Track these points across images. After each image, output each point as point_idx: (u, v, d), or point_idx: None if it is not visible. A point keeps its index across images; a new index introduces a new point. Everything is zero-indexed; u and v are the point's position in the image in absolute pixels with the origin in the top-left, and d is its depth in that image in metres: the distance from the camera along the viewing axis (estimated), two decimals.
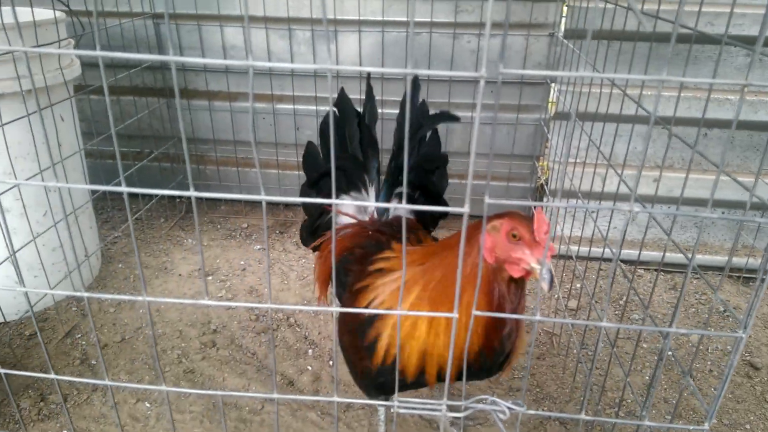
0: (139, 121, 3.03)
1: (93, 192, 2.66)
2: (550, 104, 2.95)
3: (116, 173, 2.83)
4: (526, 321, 1.56)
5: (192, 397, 2.13)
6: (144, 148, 3.23)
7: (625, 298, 2.64)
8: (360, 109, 1.91)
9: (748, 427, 1.99)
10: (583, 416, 1.14)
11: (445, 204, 1.96)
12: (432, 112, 1.85)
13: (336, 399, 1.12)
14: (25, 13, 2.19)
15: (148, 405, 2.10)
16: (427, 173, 1.86)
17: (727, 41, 1.22)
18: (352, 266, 1.69)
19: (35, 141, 2.15)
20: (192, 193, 0.89)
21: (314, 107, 3.02)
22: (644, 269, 2.92)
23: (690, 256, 1.07)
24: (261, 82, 3.02)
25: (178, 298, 1.98)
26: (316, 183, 1.94)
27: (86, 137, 2.61)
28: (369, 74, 2.06)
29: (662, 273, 2.88)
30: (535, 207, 1.24)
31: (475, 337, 1.35)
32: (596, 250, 2.76)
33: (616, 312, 2.56)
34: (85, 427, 2.01)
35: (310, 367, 2.28)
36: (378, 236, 1.74)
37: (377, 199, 1.89)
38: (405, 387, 1.50)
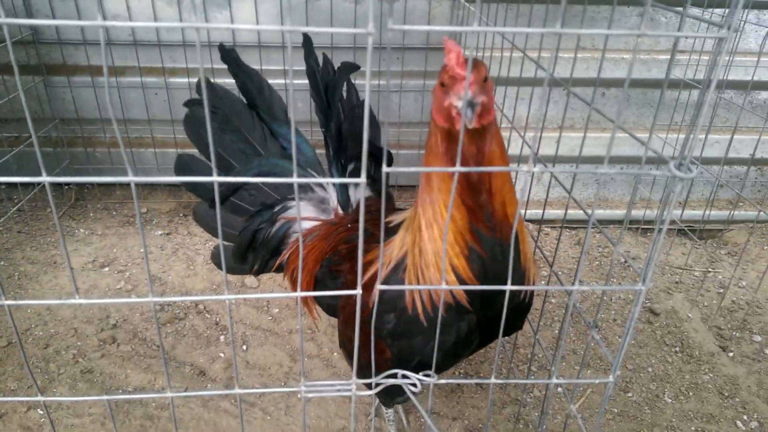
0: (11, 103, 2.71)
1: None
2: None
3: None
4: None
5: (90, 400, 1.96)
6: (21, 132, 2.91)
7: (551, 263, 2.71)
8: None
9: (650, 369, 2.10)
10: (493, 380, 1.13)
11: (390, 157, 1.84)
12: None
13: (238, 391, 1.04)
14: None
15: (41, 412, 1.91)
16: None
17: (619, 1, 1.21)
18: (341, 266, 1.57)
19: None
20: (132, 178, 0.76)
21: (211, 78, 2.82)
22: (550, 227, 3.02)
23: (590, 212, 1.07)
24: (150, 55, 2.78)
25: (42, 300, 1.82)
26: (244, 254, 1.78)
27: None
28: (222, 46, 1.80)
29: (566, 230, 2.98)
30: (444, 38, 1.11)
31: (459, 219, 1.21)
32: None
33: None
34: None
35: (222, 354, 2.17)
36: (357, 227, 1.59)
37: (336, 189, 1.74)
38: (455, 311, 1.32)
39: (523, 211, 2.03)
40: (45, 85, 2.84)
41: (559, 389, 2.00)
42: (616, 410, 1.93)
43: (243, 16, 2.74)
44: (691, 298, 2.48)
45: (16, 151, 2.71)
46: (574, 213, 2.97)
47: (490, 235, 1.23)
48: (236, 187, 1.76)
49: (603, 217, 2.98)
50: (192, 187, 1.84)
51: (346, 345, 1.59)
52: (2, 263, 2.61)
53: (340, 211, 1.74)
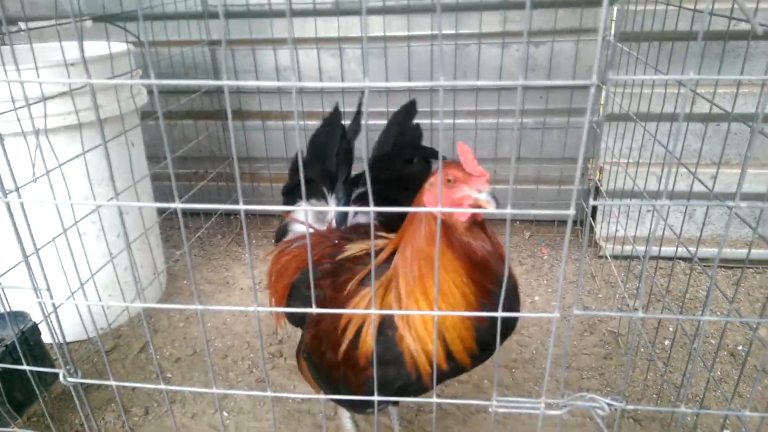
0: (198, 144, 3.15)
1: (161, 212, 2.78)
2: (600, 107, 2.96)
3: (180, 194, 2.94)
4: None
5: (268, 405, 2.19)
6: (199, 168, 3.35)
7: (685, 296, 2.63)
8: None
9: None
10: (683, 409, 1.16)
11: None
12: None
13: (435, 400, 1.16)
14: (100, 47, 2.32)
15: (226, 414, 2.17)
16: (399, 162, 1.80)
17: None
18: (321, 281, 1.59)
19: (110, 166, 2.26)
20: (241, 206, 0.95)
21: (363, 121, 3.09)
22: (704, 265, 2.89)
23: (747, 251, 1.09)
24: (312, 101, 3.11)
25: (228, 306, 2.06)
26: (290, 191, 1.95)
27: (152, 161, 2.73)
28: (363, 91, 2.03)
29: (722, 269, 2.84)
30: (456, 143, 1.27)
31: (470, 294, 1.33)
32: (638, 248, 2.75)
33: (679, 310, 2.54)
34: None
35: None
36: (344, 244, 1.66)
37: (336, 205, 1.86)
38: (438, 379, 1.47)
39: (693, 249, 2.01)
40: (223, 129, 3.26)
41: (726, 431, 1.92)
42: None
43: (393, 63, 2.99)
44: None
45: (201, 185, 3.13)
46: (729, 252, 2.84)
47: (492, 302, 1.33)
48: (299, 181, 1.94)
49: (761, 257, 2.81)
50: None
51: (312, 357, 1.60)
52: (185, 282, 3.00)
53: (334, 225, 1.83)
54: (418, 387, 1.41)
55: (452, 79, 2.96)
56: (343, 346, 1.44)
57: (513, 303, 1.42)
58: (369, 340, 1.40)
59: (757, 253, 2.81)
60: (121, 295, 2.51)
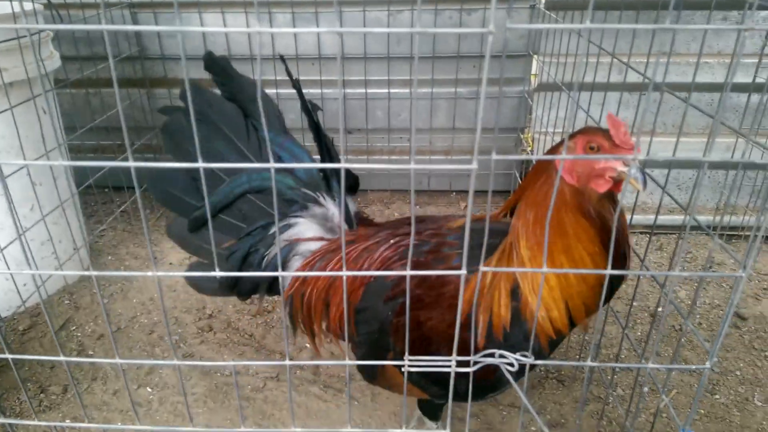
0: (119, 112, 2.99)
1: (79, 185, 2.63)
2: (532, 76, 2.98)
3: (98, 168, 2.79)
4: None
5: (194, 380, 2.13)
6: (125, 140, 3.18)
7: (642, 258, 2.70)
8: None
9: (738, 373, 2.06)
10: (589, 363, 1.18)
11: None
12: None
13: (348, 362, 1.14)
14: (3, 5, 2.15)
15: (149, 390, 2.10)
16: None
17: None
18: (403, 284, 1.37)
19: (19, 135, 2.12)
20: (131, 163, 0.89)
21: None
22: (630, 232, 2.99)
23: (688, 205, 1.11)
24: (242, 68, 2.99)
25: (181, 273, 1.98)
26: (197, 227, 1.59)
27: (68, 132, 2.58)
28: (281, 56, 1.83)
29: (647, 235, 2.94)
30: (607, 114, 1.20)
31: (600, 263, 1.26)
32: None
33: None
34: (87, 415, 2.01)
35: (308, 345, 2.30)
36: (401, 239, 1.46)
37: (337, 204, 1.58)
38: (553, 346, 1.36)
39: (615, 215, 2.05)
40: (148, 97, 3.11)
41: (645, 389, 2.00)
42: (703, 411, 1.91)
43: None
44: None
45: (121, 157, 2.97)
46: (662, 219, 2.94)
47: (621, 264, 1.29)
48: (226, 204, 1.57)
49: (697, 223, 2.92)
50: (169, 203, 1.59)
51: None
52: (110, 258, 2.87)
53: (345, 227, 1.57)
54: (538, 355, 1.31)
55: (386, 48, 2.91)
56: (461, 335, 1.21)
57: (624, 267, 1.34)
58: (503, 312, 1.29)
59: (678, 218, 2.93)
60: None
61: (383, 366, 1.49)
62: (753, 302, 2.43)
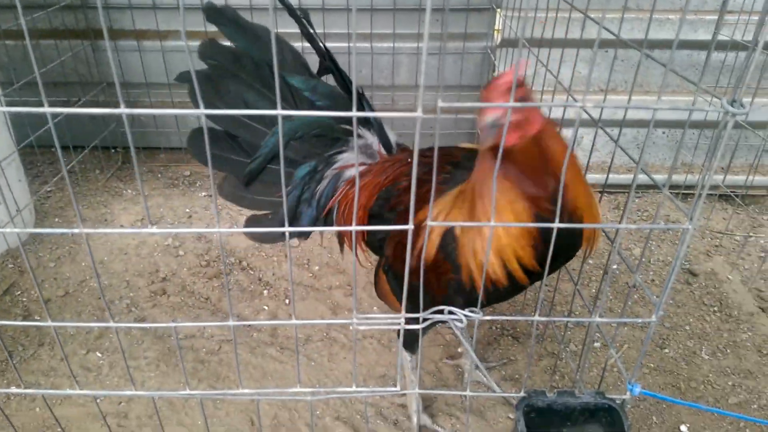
0: (62, 66, 2.81)
1: (20, 142, 2.48)
2: (495, 31, 2.90)
3: (42, 125, 2.64)
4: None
5: (146, 344, 2.07)
6: (71, 96, 3.02)
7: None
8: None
9: (687, 328, 2.11)
10: (536, 317, 1.17)
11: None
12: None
13: (294, 322, 1.10)
14: None
15: (99, 354, 2.04)
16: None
17: None
18: (401, 197, 1.55)
19: None
20: (123, 110, 0.82)
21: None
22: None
23: (637, 158, 1.09)
24: (192, 19, 2.83)
25: (116, 229, 1.90)
26: (251, 181, 1.70)
27: (4, 87, 2.42)
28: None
29: (606, 194, 2.97)
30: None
31: (522, 212, 1.25)
32: None
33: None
34: (34, 381, 1.94)
35: (266, 307, 2.26)
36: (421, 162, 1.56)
37: (375, 133, 1.70)
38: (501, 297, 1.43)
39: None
40: (93, 50, 2.93)
41: (596, 344, 2.03)
42: (652, 365, 1.95)
43: None
44: (732, 261, 2.46)
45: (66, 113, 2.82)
46: (615, 177, 2.96)
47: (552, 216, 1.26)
48: (275, 153, 1.65)
49: (643, 182, 2.95)
50: (215, 164, 1.66)
51: (393, 267, 1.56)
52: (57, 220, 2.74)
53: (384, 153, 1.72)
54: (475, 299, 1.32)
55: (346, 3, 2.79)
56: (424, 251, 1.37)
57: (574, 220, 1.30)
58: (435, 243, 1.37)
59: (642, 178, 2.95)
60: None
61: (378, 275, 1.65)
62: (705, 259, 2.48)
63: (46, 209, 2.82)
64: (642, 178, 3.11)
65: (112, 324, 1.13)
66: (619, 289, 2.30)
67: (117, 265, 2.46)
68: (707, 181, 1.02)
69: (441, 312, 1.18)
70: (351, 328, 1.10)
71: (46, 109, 0.85)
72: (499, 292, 1.34)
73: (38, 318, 2.21)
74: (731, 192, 2.70)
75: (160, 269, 2.45)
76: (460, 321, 1.18)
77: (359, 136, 1.73)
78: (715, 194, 2.84)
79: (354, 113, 0.86)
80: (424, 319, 1.16)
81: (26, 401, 1.86)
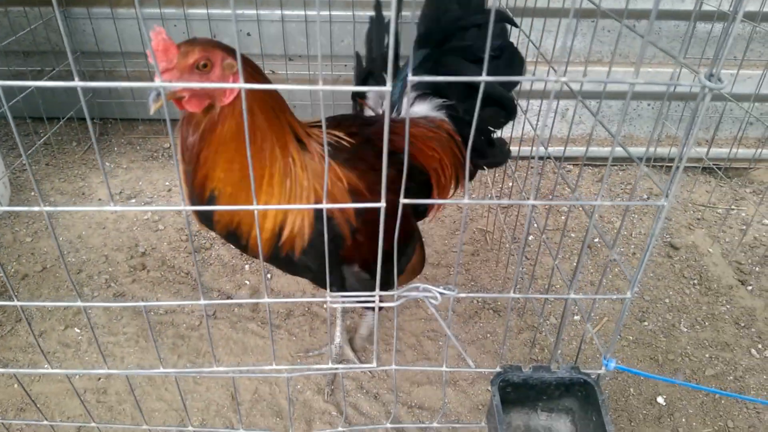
0: (33, 35, 2.72)
1: None
2: None
3: (12, 95, 2.56)
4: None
5: (125, 319, 2.06)
6: (44, 65, 2.92)
7: (554, 192, 2.71)
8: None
9: (667, 301, 2.13)
10: (512, 294, 1.16)
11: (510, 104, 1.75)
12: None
13: (267, 300, 1.09)
14: None
15: (78, 330, 2.02)
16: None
17: None
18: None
19: None
20: (77, 84, 0.78)
21: (230, 11, 2.78)
22: (573, 164, 2.99)
23: (614, 131, 1.06)
24: None
25: (80, 207, 1.87)
26: (364, 81, 1.80)
27: None
28: None
29: (589, 167, 2.95)
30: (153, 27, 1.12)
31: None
32: (527, 150, 2.78)
33: (545, 207, 2.62)
34: (12, 357, 1.92)
35: (247, 282, 2.24)
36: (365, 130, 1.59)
37: (393, 91, 1.71)
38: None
39: (543, 149, 2.02)
40: (65, 17, 2.83)
41: (576, 317, 2.04)
42: (631, 338, 1.97)
43: None
44: (713, 234, 2.47)
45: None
46: (597, 150, 2.94)
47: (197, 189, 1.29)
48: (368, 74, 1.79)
49: (625, 155, 2.94)
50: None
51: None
52: (33, 194, 2.69)
53: (380, 111, 1.73)
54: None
55: None
56: None
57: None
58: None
59: (621, 150, 2.94)
60: None
61: None
62: (686, 232, 2.49)
63: (21, 182, 2.76)
64: (623, 150, 3.08)
65: (81, 303, 1.10)
66: (600, 263, 2.31)
67: (95, 240, 2.43)
68: (684, 155, 1.00)
69: (416, 289, 1.17)
70: (325, 306, 1.08)
71: (10, 83, 0.80)
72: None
73: (17, 294, 2.17)
74: (714, 165, 2.70)
75: (140, 244, 2.41)
76: (435, 298, 1.17)
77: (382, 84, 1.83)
78: (699, 167, 2.83)
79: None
80: (399, 297, 1.15)
81: (4, 378, 1.84)
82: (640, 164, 1.09)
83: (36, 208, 0.96)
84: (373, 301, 1.11)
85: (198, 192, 1.28)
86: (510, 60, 1.69)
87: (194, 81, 1.15)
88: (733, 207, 2.66)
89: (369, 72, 1.77)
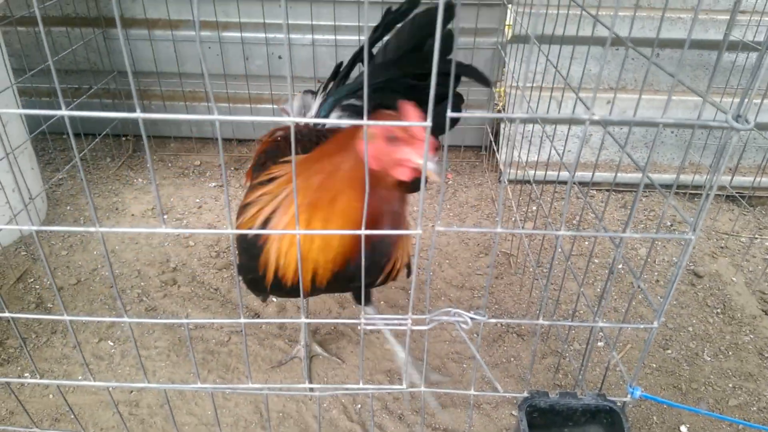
0: (74, 54, 2.84)
1: (32, 130, 2.51)
2: (506, 27, 2.90)
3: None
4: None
5: (157, 333, 2.11)
6: (82, 83, 3.04)
7: (579, 217, 2.73)
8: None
9: (690, 329, 2.13)
10: (541, 321, 1.20)
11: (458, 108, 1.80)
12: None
13: (303, 320, 1.13)
14: None
15: (111, 343, 2.08)
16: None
17: None
18: (267, 160, 1.66)
19: None
20: (138, 114, 0.84)
21: (263, 34, 2.88)
22: (597, 190, 3.02)
23: (643, 165, 1.10)
24: (204, 8, 2.84)
25: (133, 228, 1.93)
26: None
27: (17, 74, 2.43)
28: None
29: (614, 193, 2.97)
30: (399, 102, 1.20)
31: (348, 242, 1.34)
32: (552, 174, 2.82)
33: (570, 230, 2.64)
34: (47, 368, 1.99)
35: (274, 299, 2.29)
36: (283, 144, 1.70)
37: (321, 106, 1.81)
38: (283, 292, 1.50)
39: (572, 173, 2.05)
40: (104, 38, 2.94)
41: (600, 343, 2.06)
42: (654, 365, 1.98)
43: None
44: (736, 263, 2.47)
45: (78, 101, 2.84)
46: (622, 176, 2.96)
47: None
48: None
49: (651, 182, 2.96)
50: None
51: None
52: (69, 208, 2.78)
53: (303, 122, 1.80)
54: (275, 288, 1.46)
55: None
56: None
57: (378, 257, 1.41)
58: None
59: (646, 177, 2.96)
60: None
61: None
62: (709, 260, 2.50)
63: (57, 197, 2.86)
64: (651, 177, 3.10)
65: (126, 319, 1.16)
66: (623, 289, 2.32)
67: (128, 255, 2.50)
68: (711, 192, 1.03)
69: (447, 314, 1.21)
70: (359, 328, 1.13)
71: (64, 112, 0.87)
72: (283, 290, 1.44)
73: (51, 306, 2.25)
74: (737, 193, 2.71)
75: (171, 259, 2.48)
76: (466, 323, 1.21)
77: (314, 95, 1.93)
78: (723, 195, 2.84)
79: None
80: (431, 321, 1.19)
81: (39, 388, 1.90)
82: (668, 199, 1.13)
83: (92, 229, 1.02)
84: (405, 324, 1.16)
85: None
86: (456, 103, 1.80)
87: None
88: (756, 236, 2.66)
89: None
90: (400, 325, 1.16)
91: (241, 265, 1.52)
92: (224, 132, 3.22)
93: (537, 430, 1.37)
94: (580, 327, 2.08)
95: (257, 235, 1.43)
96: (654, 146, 1.20)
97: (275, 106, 2.63)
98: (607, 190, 2.97)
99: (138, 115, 0.83)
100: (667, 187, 2.95)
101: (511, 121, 2.74)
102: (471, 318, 1.21)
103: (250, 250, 1.45)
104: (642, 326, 1.16)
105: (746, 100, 0.97)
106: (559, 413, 1.33)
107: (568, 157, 3.00)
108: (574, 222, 2.70)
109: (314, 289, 1.43)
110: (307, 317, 1.04)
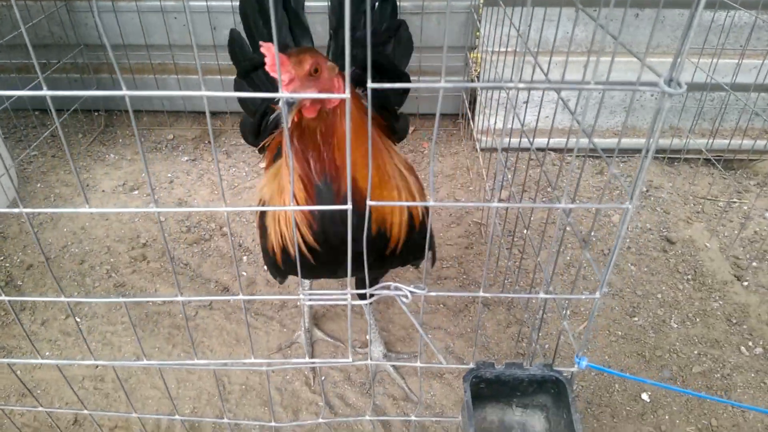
0: (35, 28, 2.76)
1: None
2: None
3: (19, 88, 2.62)
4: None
5: (124, 309, 2.11)
6: (48, 58, 2.98)
7: (554, 185, 2.69)
8: None
9: (659, 296, 2.12)
10: (481, 293, 1.18)
11: (407, 80, 1.77)
12: None
13: (242, 297, 1.12)
14: None
15: (78, 320, 2.08)
16: (377, 46, 1.71)
17: None
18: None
19: None
20: (125, 92, 0.79)
21: (230, 2, 2.80)
22: (576, 156, 2.96)
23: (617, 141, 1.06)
24: None
25: (122, 209, 1.91)
26: (247, 74, 1.77)
27: None
28: None
29: (591, 159, 2.93)
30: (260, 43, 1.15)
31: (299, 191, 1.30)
32: (524, 142, 2.77)
33: (543, 199, 2.61)
34: (15, 345, 2.00)
35: (245, 273, 2.28)
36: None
37: None
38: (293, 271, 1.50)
39: (546, 140, 2.01)
40: (68, 10, 2.87)
41: (566, 312, 2.05)
42: (620, 333, 1.97)
43: None
44: (712, 228, 2.44)
45: (45, 75, 2.78)
46: (599, 141, 2.91)
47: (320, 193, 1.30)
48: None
49: (629, 146, 2.91)
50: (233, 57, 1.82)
51: None
52: (39, 185, 2.76)
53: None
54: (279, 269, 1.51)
55: None
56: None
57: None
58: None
59: (625, 142, 2.91)
60: None
61: None
62: (684, 225, 2.46)
63: (28, 174, 2.83)
64: (628, 141, 3.05)
65: (122, 299, 1.13)
66: (594, 256, 2.30)
67: (98, 231, 2.49)
68: (648, 157, 1.00)
69: (387, 288, 1.19)
70: (299, 303, 1.11)
71: (46, 92, 0.82)
72: (293, 265, 1.38)
73: (20, 283, 2.25)
74: (717, 156, 2.66)
75: (141, 235, 2.47)
76: (406, 297, 1.19)
77: None
78: (700, 158, 2.79)
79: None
80: (371, 295, 1.18)
81: (7, 366, 1.91)
82: (608, 163, 1.09)
83: (81, 210, 0.98)
84: (345, 299, 1.14)
85: (343, 197, 1.27)
86: (407, 39, 1.80)
87: (312, 87, 1.16)
88: (734, 200, 2.62)
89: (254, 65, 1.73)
90: (341, 300, 1.15)
91: (264, 250, 1.57)
92: (196, 105, 3.16)
93: (485, 400, 1.37)
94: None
95: (263, 219, 1.50)
96: (600, 110, 1.16)
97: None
98: (585, 156, 2.92)
99: (125, 92, 0.78)
100: (637, 151, 2.90)
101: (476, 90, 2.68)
102: (411, 291, 1.20)
103: (262, 234, 1.53)
104: (584, 297, 1.14)
105: (678, 61, 0.92)
106: (506, 383, 1.33)
107: (545, 124, 2.94)
108: (548, 189, 2.67)
109: (318, 266, 1.41)
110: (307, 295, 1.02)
